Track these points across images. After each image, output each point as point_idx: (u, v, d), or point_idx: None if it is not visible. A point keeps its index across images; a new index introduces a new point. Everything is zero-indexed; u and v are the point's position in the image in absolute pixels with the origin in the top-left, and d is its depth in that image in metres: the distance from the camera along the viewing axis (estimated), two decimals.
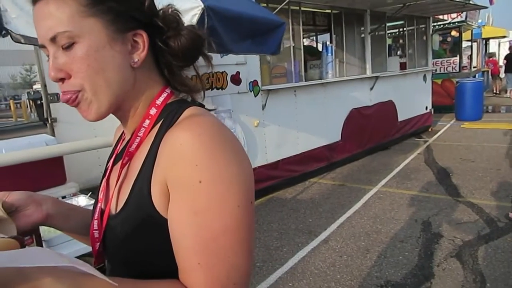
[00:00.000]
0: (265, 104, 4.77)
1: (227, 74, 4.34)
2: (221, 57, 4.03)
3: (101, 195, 0.71)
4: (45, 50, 0.63)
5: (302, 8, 5.49)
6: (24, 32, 2.02)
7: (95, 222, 0.69)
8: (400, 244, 3.35)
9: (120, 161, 0.68)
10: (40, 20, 0.61)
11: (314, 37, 8.60)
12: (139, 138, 0.67)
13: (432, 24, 8.60)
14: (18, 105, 24.64)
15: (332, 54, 5.74)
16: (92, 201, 2.50)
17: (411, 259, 3.09)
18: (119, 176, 0.67)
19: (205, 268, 0.55)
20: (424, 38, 8.20)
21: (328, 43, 5.97)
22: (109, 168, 0.74)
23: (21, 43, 2.74)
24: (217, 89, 4.28)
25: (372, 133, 6.52)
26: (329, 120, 5.75)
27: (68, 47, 0.60)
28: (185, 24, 0.69)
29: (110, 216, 0.66)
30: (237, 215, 0.56)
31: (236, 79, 4.43)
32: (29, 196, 0.71)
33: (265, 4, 4.75)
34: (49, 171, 3.14)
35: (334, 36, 6.58)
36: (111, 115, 0.68)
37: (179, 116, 0.64)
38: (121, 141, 0.78)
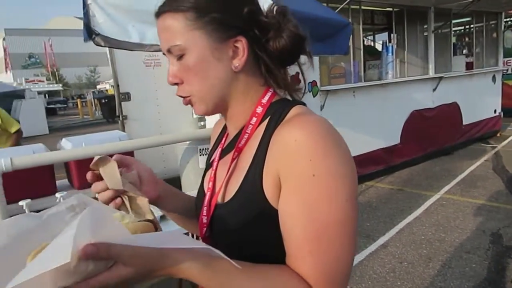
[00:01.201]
0: (324, 105, 4.74)
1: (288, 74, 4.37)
2: None
3: (209, 185, 0.76)
4: (167, 56, 0.70)
5: (362, 7, 5.38)
6: (103, 33, 2.19)
7: (205, 208, 0.74)
8: (466, 255, 3.18)
9: (229, 155, 0.74)
10: (160, 32, 0.70)
11: (372, 36, 8.37)
12: (247, 134, 0.72)
13: (504, 20, 8.02)
14: (84, 103, 26.42)
15: (392, 54, 5.56)
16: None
17: (479, 272, 2.92)
18: (228, 169, 0.72)
19: (315, 256, 0.59)
20: (495, 35, 7.68)
21: (388, 42, 5.80)
22: (216, 161, 0.80)
23: (101, 46, 2.96)
24: None
25: (434, 137, 6.22)
26: (388, 122, 5.58)
27: (180, 57, 0.68)
28: (290, 22, 0.71)
29: (218, 205, 0.72)
30: (345, 209, 0.60)
31: (296, 80, 4.45)
32: (151, 174, 0.79)
33: (325, 4, 4.72)
34: (122, 164, 3.35)
35: (395, 35, 6.35)
36: None
37: (286, 114, 0.68)
38: (225, 136, 0.83)
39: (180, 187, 3.09)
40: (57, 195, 2.18)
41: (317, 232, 0.59)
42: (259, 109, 0.72)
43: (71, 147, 3.20)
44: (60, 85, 34.09)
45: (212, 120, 3.53)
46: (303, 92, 0.78)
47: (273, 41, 0.70)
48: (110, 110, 17.89)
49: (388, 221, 3.99)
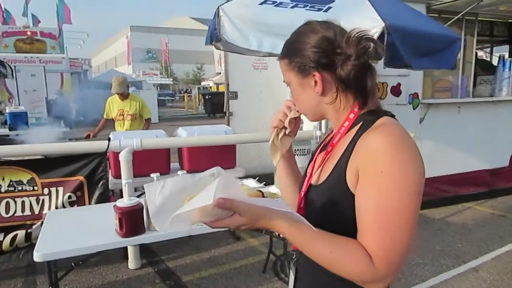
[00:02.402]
0: (424, 118, 4.63)
1: (387, 85, 4.39)
2: (384, 68, 4.11)
3: (309, 170, 1.01)
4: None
5: (479, 18, 5.08)
6: (228, 39, 2.57)
7: (303, 187, 0.99)
8: None
9: (326, 150, 0.97)
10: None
11: (490, 49, 7.72)
12: (340, 134, 0.93)
13: None
14: (189, 98, 28.66)
15: (510, 70, 5.15)
16: (259, 185, 2.96)
17: None
18: (323, 160, 0.96)
19: (380, 234, 0.77)
20: None
21: (506, 56, 5.37)
22: (316, 153, 1.04)
23: (219, 49, 3.40)
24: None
25: None
26: (497, 142, 5.18)
27: (288, 86, 1.00)
28: (367, 35, 0.89)
29: (312, 186, 0.96)
30: (406, 201, 0.77)
31: (396, 91, 4.45)
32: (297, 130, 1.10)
33: (436, 15, 4.61)
34: (225, 155, 3.78)
35: None
36: None
37: (374, 122, 0.87)
38: (329, 135, 1.07)
39: (273, 183, 3.36)
40: (179, 172, 2.61)
41: (383, 217, 0.77)
42: (351, 116, 0.93)
43: (186, 135, 3.71)
44: (171, 79, 37.48)
45: (309, 124, 3.76)
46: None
47: (340, 70, 0.88)
48: (212, 106, 19.26)
49: (483, 245, 3.78)
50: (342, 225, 0.85)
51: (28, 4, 17.06)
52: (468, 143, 4.96)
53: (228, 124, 4.72)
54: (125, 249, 3.42)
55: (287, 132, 1.06)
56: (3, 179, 3.01)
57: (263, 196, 1.01)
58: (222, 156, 3.71)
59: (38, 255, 1.96)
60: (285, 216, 0.80)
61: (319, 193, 0.92)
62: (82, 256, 2.22)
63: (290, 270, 1.07)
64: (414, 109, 4.60)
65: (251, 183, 3.05)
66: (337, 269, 0.80)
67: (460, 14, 4.28)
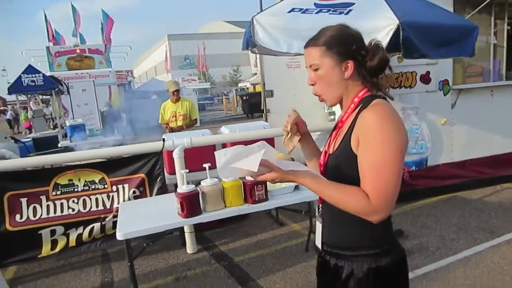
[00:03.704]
0: (455, 103, 4.76)
1: (416, 74, 4.57)
2: (400, 61, 4.30)
3: (327, 144, 1.36)
4: (308, 68, 1.31)
5: (510, 1, 5.10)
6: (262, 44, 2.96)
7: (322, 155, 1.35)
8: None
9: (337, 126, 1.33)
10: (306, 56, 1.30)
11: None
12: (347, 113, 1.26)
13: None
14: (227, 100, 29.39)
15: None
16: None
17: None
18: (336, 134, 1.31)
19: (374, 178, 1.09)
20: None
21: None
22: (332, 132, 1.38)
23: (255, 53, 3.80)
24: (406, 87, 4.57)
25: None
26: None
27: (316, 70, 1.26)
28: (380, 43, 1.24)
29: (329, 154, 1.30)
30: (392, 155, 1.09)
31: (426, 79, 4.62)
32: (306, 126, 1.43)
33: (464, 2, 4.71)
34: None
35: None
36: None
37: (369, 103, 1.19)
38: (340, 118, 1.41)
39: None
40: None
41: (375, 167, 1.10)
42: (356, 99, 1.25)
43: (228, 132, 4.13)
44: (208, 83, 38.47)
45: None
46: (387, 90, 1.28)
47: (370, 62, 1.22)
48: (250, 106, 19.73)
49: None
50: (351, 179, 1.17)
51: (77, 27, 18.42)
52: (502, 125, 5.01)
53: (266, 121, 5.11)
54: (183, 236, 3.90)
55: (291, 134, 1.39)
56: (79, 180, 3.58)
57: (292, 160, 1.40)
58: None
59: (120, 234, 2.43)
60: (305, 172, 1.19)
61: (333, 158, 1.26)
62: (152, 236, 2.66)
63: (317, 221, 1.41)
64: (445, 95, 4.74)
65: None
66: (344, 206, 1.14)
67: (485, 3, 4.35)
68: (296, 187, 2.96)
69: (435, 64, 4.57)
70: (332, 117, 4.45)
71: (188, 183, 2.58)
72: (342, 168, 1.22)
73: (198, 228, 3.95)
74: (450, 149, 4.85)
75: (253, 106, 18.76)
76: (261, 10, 3.39)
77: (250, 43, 3.04)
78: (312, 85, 1.30)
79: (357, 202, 1.10)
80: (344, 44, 1.21)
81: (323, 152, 1.36)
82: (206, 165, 2.70)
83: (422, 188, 4.76)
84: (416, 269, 3.14)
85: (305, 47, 1.28)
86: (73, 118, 11.39)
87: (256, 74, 27.70)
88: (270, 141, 4.23)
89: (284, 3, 3.20)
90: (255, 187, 2.69)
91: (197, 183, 2.69)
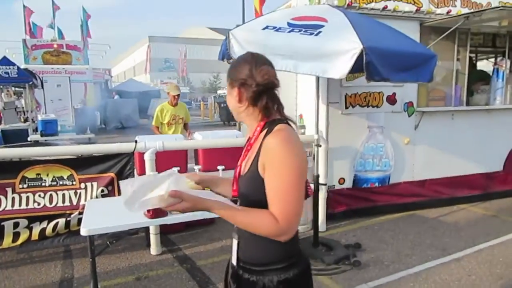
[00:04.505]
0: (418, 124, 5.04)
1: (383, 94, 4.83)
2: (367, 82, 4.54)
3: (239, 163, 1.41)
4: None
5: (472, 31, 5.44)
6: None
7: (234, 179, 1.41)
8: None
9: (246, 148, 1.40)
10: None
11: (494, 59, 8.00)
12: (254, 136, 1.34)
13: None
14: (206, 106, 29.35)
15: (503, 80, 5.52)
16: None
17: None
18: (244, 156, 1.39)
19: (279, 202, 1.19)
20: None
21: (506, 65, 5.70)
22: (243, 151, 1.47)
23: (229, 63, 3.92)
24: (373, 107, 4.81)
25: None
26: (491, 148, 5.53)
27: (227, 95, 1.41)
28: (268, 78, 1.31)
29: (240, 176, 1.37)
30: (294, 180, 1.19)
31: (391, 99, 4.88)
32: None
33: (430, 30, 5.01)
34: (235, 156, 4.26)
35: (507, 60, 6.17)
36: None
37: (273, 128, 1.28)
38: (249, 138, 1.50)
39: None
40: (195, 168, 3.11)
41: (280, 191, 1.19)
42: (261, 123, 1.33)
43: (201, 139, 4.23)
44: (188, 88, 38.41)
45: (312, 129, 4.21)
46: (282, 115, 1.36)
47: (249, 90, 1.30)
48: (227, 114, 19.81)
49: (469, 241, 4.15)
50: (260, 203, 1.25)
51: (55, 17, 18.09)
52: (462, 148, 5.33)
53: (239, 130, 5.23)
54: (147, 238, 3.94)
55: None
56: (47, 175, 3.59)
57: (203, 189, 1.48)
58: (233, 157, 4.19)
59: (84, 230, 2.48)
60: (216, 201, 1.26)
61: (244, 180, 1.35)
62: (117, 235, 2.71)
63: (233, 238, 1.44)
64: (409, 116, 5.02)
65: None
66: (255, 230, 1.23)
67: (448, 31, 4.66)
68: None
69: (401, 86, 4.83)
70: (302, 130, 4.62)
71: None
72: (251, 193, 1.31)
73: (164, 231, 4.01)
74: (412, 168, 5.12)
75: (230, 113, 18.76)
76: (243, 19, 3.52)
77: (225, 55, 3.17)
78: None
79: (267, 226, 1.20)
80: (236, 73, 1.33)
81: (234, 175, 1.43)
82: (175, 169, 2.80)
83: (384, 205, 4.99)
84: (369, 281, 3.31)
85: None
86: (45, 113, 11.14)
87: None
88: (240, 150, 4.35)
89: (259, 20, 3.36)
90: None
91: None
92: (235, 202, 1.39)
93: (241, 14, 16.43)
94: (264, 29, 3.05)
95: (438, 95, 5.30)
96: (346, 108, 4.67)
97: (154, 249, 3.88)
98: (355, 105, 4.69)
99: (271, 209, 1.21)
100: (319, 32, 2.96)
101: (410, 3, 4.72)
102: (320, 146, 4.09)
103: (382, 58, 2.84)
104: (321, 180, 4.13)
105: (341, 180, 4.77)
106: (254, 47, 2.98)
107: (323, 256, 3.68)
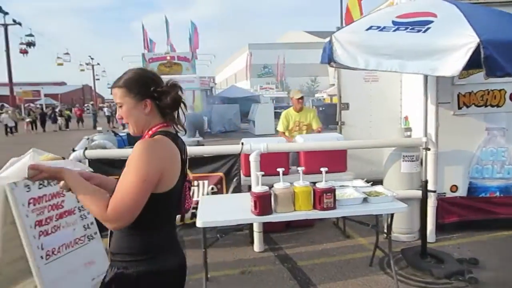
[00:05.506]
0: None
1: (505, 92, 4.31)
2: (485, 78, 4.08)
3: None
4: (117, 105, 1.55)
5: None
6: (340, 62, 3.10)
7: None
8: None
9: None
10: (113, 96, 1.53)
11: None
12: None
13: None
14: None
15: None
16: (366, 184, 3.36)
17: None
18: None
19: (115, 196, 1.34)
20: None
21: None
22: None
23: (333, 66, 3.93)
24: (492, 106, 4.33)
25: None
26: None
27: (120, 107, 1.51)
28: (176, 82, 1.53)
29: None
30: (135, 182, 1.33)
31: None
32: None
33: None
34: (336, 159, 4.26)
35: None
36: None
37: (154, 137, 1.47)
38: None
39: (381, 184, 3.66)
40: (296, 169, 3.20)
41: (121, 186, 1.35)
42: (150, 132, 1.51)
43: (303, 141, 4.31)
44: (286, 92, 38.96)
45: (419, 131, 3.98)
46: (178, 125, 1.56)
47: (164, 100, 1.48)
48: (326, 117, 19.61)
49: None
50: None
51: (168, 32, 20.13)
52: None
53: (340, 133, 5.19)
54: (251, 235, 4.16)
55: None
56: None
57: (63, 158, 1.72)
58: (334, 160, 4.19)
59: (200, 222, 2.75)
60: (69, 171, 1.44)
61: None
62: (224, 231, 2.93)
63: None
64: None
65: (359, 182, 3.48)
66: (86, 206, 1.38)
67: None
68: (365, 200, 3.03)
69: None
70: (408, 133, 4.38)
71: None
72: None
73: (266, 230, 4.18)
74: None
75: (329, 117, 18.61)
76: (341, 21, 3.51)
77: (329, 58, 3.19)
78: (121, 118, 1.58)
79: (97, 209, 1.33)
80: (142, 86, 1.48)
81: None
82: (280, 170, 2.93)
83: (507, 218, 4.42)
84: None
85: (111, 87, 1.56)
86: None
87: (333, 85, 27.46)
88: (342, 154, 4.32)
89: (362, 21, 3.31)
90: (324, 194, 2.82)
91: (270, 186, 2.91)
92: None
93: (339, 15, 16.22)
94: (367, 29, 3.00)
95: None
96: (459, 108, 4.29)
97: (257, 246, 4.08)
98: (470, 105, 4.29)
99: (110, 199, 1.35)
100: (428, 28, 2.80)
101: None
102: (429, 149, 3.83)
103: (505, 51, 2.57)
104: (430, 187, 3.87)
105: (453, 188, 4.39)
106: (359, 49, 2.96)
107: (432, 268, 3.44)
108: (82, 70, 55.16)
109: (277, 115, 27.35)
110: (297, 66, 50.56)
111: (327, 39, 3.26)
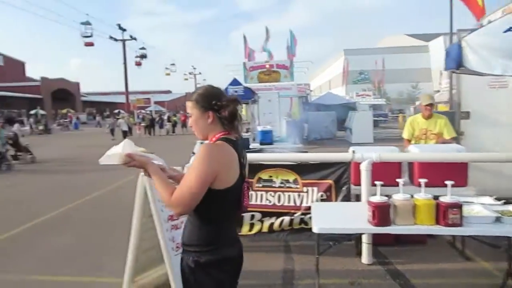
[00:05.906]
0: None
1: None
2: None
3: None
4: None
5: None
6: (471, 67, 2.87)
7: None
8: None
9: None
10: (187, 107, 1.83)
11: None
12: None
13: None
14: (404, 118, 27.73)
15: None
16: (496, 202, 3.06)
17: None
18: None
19: (180, 187, 1.64)
20: None
21: None
22: None
23: (457, 73, 3.67)
24: None
25: None
26: None
27: (190, 116, 1.81)
28: (236, 97, 1.84)
29: None
30: (195, 178, 1.61)
31: None
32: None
33: None
34: (455, 172, 3.92)
35: None
36: None
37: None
38: None
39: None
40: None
41: (185, 179, 1.64)
42: (214, 138, 1.77)
43: (418, 151, 4.07)
44: (384, 99, 37.27)
45: None
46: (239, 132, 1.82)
47: (223, 113, 1.74)
48: None
49: None
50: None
51: (267, 42, 20.80)
52: None
53: (459, 143, 4.78)
54: (357, 246, 4.06)
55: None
56: (277, 177, 4.17)
57: (152, 153, 1.93)
58: (453, 173, 3.86)
59: (316, 228, 2.78)
60: (152, 164, 1.79)
61: None
62: (336, 236, 2.93)
63: None
64: None
65: (488, 199, 3.18)
66: (160, 194, 1.68)
67: None
68: (497, 219, 2.75)
69: None
70: None
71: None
72: None
73: (373, 242, 4.04)
74: None
75: None
76: (451, 23, 3.25)
77: (457, 64, 2.99)
78: (191, 126, 1.85)
79: (165, 195, 1.65)
80: (207, 100, 1.75)
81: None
82: (400, 180, 2.83)
83: None
84: None
85: (186, 100, 1.87)
86: (259, 125, 12.87)
87: (438, 91, 25.30)
88: (463, 166, 3.97)
89: (499, 22, 3.02)
90: (450, 209, 2.64)
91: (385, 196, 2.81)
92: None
93: (448, 16, 14.87)
94: (506, 31, 2.74)
95: None
96: None
97: (365, 258, 3.96)
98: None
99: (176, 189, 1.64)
100: None
101: None
102: None
103: None
104: None
105: None
106: (495, 53, 2.72)
107: None
108: (186, 79, 59.95)
109: (374, 123, 26.34)
110: (396, 72, 48.02)
111: (452, 43, 3.07)
